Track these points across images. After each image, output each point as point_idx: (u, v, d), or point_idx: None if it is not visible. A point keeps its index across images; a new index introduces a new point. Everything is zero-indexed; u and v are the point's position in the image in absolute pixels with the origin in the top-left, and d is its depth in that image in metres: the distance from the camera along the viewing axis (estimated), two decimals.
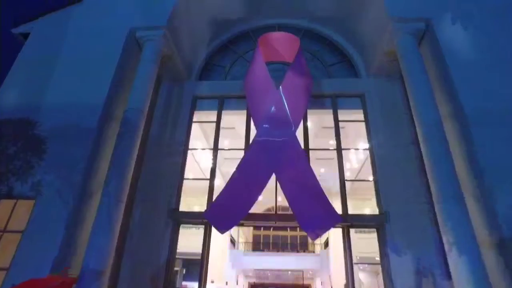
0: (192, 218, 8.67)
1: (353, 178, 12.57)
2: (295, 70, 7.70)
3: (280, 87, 7.61)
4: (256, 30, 11.76)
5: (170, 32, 9.25)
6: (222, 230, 7.23)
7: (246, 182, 7.11)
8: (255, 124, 7.85)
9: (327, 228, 7.11)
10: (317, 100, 10.21)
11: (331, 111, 10.05)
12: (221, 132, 10.23)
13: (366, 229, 11.14)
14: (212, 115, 10.43)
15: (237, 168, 7.21)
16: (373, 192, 8.94)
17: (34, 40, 9.43)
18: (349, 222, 8.11)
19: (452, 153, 6.83)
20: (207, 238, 8.47)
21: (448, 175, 6.48)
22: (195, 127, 10.64)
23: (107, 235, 6.49)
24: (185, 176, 9.51)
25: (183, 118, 10.26)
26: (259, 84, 7.92)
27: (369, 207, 12.46)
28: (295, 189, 6.98)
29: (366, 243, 10.26)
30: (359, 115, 10.03)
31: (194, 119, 10.47)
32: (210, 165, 9.59)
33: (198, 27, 10.85)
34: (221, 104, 10.46)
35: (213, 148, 9.80)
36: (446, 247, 6.04)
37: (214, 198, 9.00)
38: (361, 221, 8.43)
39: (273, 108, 7.48)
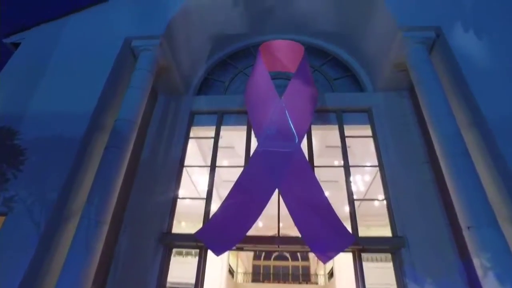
0: (186, 240, 7.76)
1: (361, 199, 11.72)
2: (299, 78, 7.16)
3: (283, 95, 7.04)
4: (257, 45, 11.24)
5: (167, 42, 8.84)
6: (217, 252, 6.34)
7: (245, 199, 6.32)
8: (256, 136, 7.19)
9: (340, 250, 6.24)
10: (321, 115, 9.63)
11: (335, 126, 9.42)
12: (220, 151, 9.55)
13: (379, 257, 10.17)
14: (210, 131, 9.79)
15: (235, 184, 6.46)
16: (384, 217, 8.12)
17: (24, 49, 9.00)
18: (360, 245, 7.21)
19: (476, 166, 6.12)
20: (202, 264, 7.51)
21: (476, 193, 5.71)
22: (191, 145, 9.97)
23: (84, 262, 5.59)
24: (180, 197, 8.72)
25: (179, 134, 9.62)
26: (261, 93, 7.34)
27: (379, 234, 11.51)
28: (301, 206, 6.19)
29: (378, 273, 9.23)
30: (366, 130, 9.40)
31: (191, 135, 9.83)
32: (206, 186, 8.78)
33: (197, 40, 10.49)
34: (220, 119, 9.86)
35: (210, 166, 9.08)
36: (479, 272, 5.16)
37: None
38: (374, 244, 7.51)
39: (275, 118, 6.85)
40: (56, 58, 8.55)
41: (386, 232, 7.83)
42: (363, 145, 9.80)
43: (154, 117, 10.03)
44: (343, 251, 6.49)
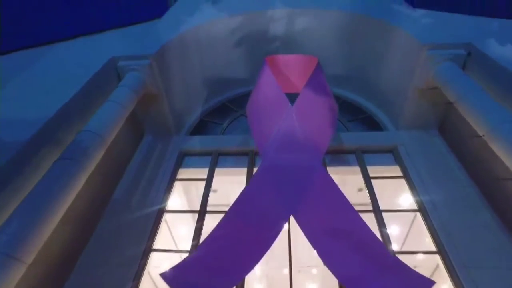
0: None
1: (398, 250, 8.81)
2: (313, 86, 5.76)
3: (296, 102, 5.52)
4: None
5: (158, 66, 7.78)
6: None
7: (243, 230, 4.18)
8: (260, 152, 5.38)
9: None
10: (336, 157, 7.99)
11: (355, 168, 7.69)
12: (213, 196, 7.56)
13: None
14: (201, 173, 7.96)
15: (229, 209, 4.39)
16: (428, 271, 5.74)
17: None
18: None
19: None
20: None
21: None
22: (177, 188, 8.02)
23: None
24: (155, 247, 6.36)
25: (163, 175, 7.77)
26: (267, 99, 5.80)
27: None
28: (335, 242, 4.02)
29: None
30: (393, 172, 7.62)
31: (178, 176, 7.96)
32: (190, 240, 6.50)
33: (194, 76, 9.58)
34: (214, 160, 8.14)
35: (198, 211, 6.96)
36: None
37: None
38: None
39: (287, 126, 5.19)
40: (29, 73, 7.33)
41: None
42: (387, 187, 7.79)
43: (136, 156, 8.35)
44: None
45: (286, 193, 4.53)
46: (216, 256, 4.02)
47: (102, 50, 7.82)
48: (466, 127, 7.05)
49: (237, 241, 4.12)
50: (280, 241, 6.44)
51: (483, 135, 5.38)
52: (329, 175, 4.79)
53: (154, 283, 6.65)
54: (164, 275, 4.03)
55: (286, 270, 6.02)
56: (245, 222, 4.23)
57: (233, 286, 3.91)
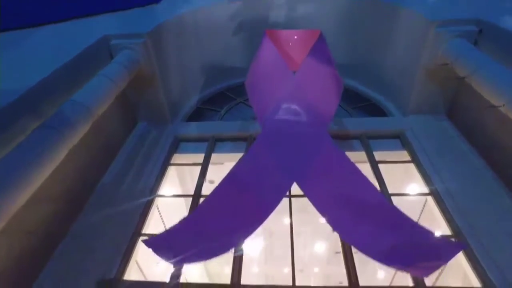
0: None
1: None
2: (316, 56, 5.35)
3: (298, 70, 5.11)
4: None
5: (153, 46, 7.39)
6: (179, 261, 3.36)
7: (240, 197, 3.70)
8: (260, 121, 4.93)
9: (442, 263, 3.30)
10: (340, 143, 7.54)
11: (361, 154, 7.22)
12: (208, 185, 7.07)
13: None
14: (197, 158, 7.49)
15: (225, 178, 3.91)
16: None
17: None
18: None
19: None
20: None
21: None
22: (171, 174, 7.53)
23: None
24: (145, 231, 5.84)
25: (156, 160, 7.30)
26: (268, 71, 5.39)
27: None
28: (346, 209, 3.53)
29: None
30: (400, 156, 7.17)
31: (173, 162, 7.49)
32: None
33: (191, 60, 9.20)
34: (211, 146, 7.67)
35: (192, 195, 6.46)
36: None
37: None
38: None
39: (290, 92, 4.75)
40: (16, 50, 6.94)
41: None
42: (391, 174, 7.30)
43: (129, 141, 7.90)
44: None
45: (289, 160, 4.07)
46: (208, 222, 3.54)
47: (96, 30, 7.44)
48: (478, 110, 6.72)
49: (233, 207, 3.64)
50: (282, 240, 5.93)
51: (503, 105, 4.96)
52: (337, 146, 4.33)
53: (141, 269, 6.11)
54: (147, 242, 3.53)
55: (287, 269, 5.53)
56: (243, 188, 3.75)
57: (224, 253, 3.42)
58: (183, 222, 3.55)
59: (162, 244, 3.49)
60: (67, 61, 6.00)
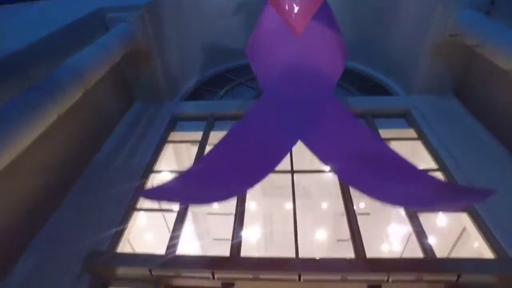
0: (133, 264, 4.33)
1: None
2: (320, 18, 5.09)
3: (303, 33, 4.85)
4: None
5: (151, 19, 7.12)
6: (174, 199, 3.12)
7: (241, 152, 3.43)
8: (262, 84, 4.64)
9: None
10: None
11: None
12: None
13: None
14: (195, 136, 7.22)
15: (224, 137, 3.63)
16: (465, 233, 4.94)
17: None
18: (453, 271, 3.85)
19: None
20: None
21: None
22: (168, 152, 7.26)
23: None
24: (139, 206, 5.55)
25: (152, 137, 7.03)
26: (270, 36, 5.12)
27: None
28: (358, 164, 3.27)
29: None
30: (407, 134, 6.91)
31: (170, 139, 7.22)
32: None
33: (189, 41, 8.94)
34: (210, 125, 7.40)
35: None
36: None
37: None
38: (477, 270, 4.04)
39: (292, 58, 4.50)
40: (6, 21, 6.67)
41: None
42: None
43: (124, 119, 7.65)
44: None
45: (294, 118, 3.80)
46: (209, 173, 3.27)
47: (92, 3, 7.16)
48: (489, 87, 6.47)
49: (236, 160, 3.37)
50: (284, 226, 5.59)
51: None
52: (343, 107, 4.06)
53: (131, 245, 5.86)
54: (144, 193, 3.29)
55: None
56: (247, 142, 3.48)
57: (224, 200, 3.15)
58: (183, 174, 3.30)
59: (161, 193, 3.23)
60: (59, 27, 5.73)
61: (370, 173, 3.18)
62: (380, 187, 3.07)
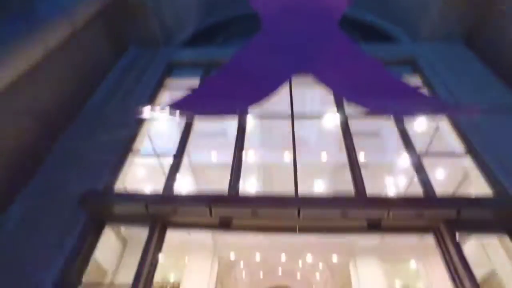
0: (130, 201, 4.30)
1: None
2: None
3: None
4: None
5: None
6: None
7: (250, 73, 3.26)
8: (263, 21, 4.32)
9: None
10: None
11: None
12: None
13: None
14: (192, 83, 6.93)
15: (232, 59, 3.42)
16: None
17: None
18: (452, 207, 3.82)
19: None
20: (153, 246, 3.93)
21: None
22: (164, 99, 7.03)
23: None
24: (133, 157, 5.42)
25: (147, 84, 6.75)
26: None
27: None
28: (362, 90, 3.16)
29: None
30: (411, 82, 6.67)
31: (166, 86, 6.96)
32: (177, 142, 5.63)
33: None
34: (207, 72, 7.09)
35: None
36: None
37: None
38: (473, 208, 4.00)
39: None
40: None
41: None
42: None
43: (118, 65, 7.31)
44: None
45: (294, 49, 3.55)
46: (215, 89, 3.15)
47: None
48: (502, 32, 6.13)
49: (240, 81, 3.21)
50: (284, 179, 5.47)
51: None
52: (349, 39, 3.80)
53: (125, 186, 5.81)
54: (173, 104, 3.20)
55: None
56: (250, 67, 3.31)
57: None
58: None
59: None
60: None
61: (371, 93, 3.04)
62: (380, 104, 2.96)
